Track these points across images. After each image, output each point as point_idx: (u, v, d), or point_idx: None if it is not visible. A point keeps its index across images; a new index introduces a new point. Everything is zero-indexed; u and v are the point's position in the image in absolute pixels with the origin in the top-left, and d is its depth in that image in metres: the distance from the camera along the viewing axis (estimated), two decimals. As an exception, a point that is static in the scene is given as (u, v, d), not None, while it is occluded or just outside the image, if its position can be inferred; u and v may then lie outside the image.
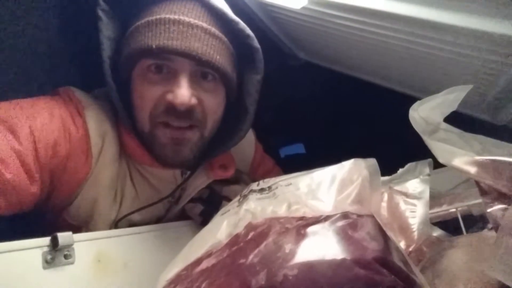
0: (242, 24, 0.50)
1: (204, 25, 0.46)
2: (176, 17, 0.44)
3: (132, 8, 0.49)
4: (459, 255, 0.32)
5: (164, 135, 0.48)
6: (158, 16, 0.45)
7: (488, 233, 0.35)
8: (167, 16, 0.44)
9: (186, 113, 0.46)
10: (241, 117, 0.53)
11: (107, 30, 0.47)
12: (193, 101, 0.46)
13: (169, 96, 0.45)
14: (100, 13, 0.47)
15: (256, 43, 0.51)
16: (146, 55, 0.45)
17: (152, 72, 0.46)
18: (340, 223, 0.24)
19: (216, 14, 0.48)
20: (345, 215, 0.25)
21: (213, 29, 0.47)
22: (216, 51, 0.46)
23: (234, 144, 0.54)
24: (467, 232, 0.40)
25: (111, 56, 0.48)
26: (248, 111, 0.53)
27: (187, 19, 0.45)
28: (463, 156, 0.27)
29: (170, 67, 0.46)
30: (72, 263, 0.38)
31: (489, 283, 0.26)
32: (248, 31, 0.50)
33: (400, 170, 0.46)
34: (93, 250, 0.41)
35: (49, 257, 0.37)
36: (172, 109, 0.45)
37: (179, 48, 0.44)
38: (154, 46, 0.43)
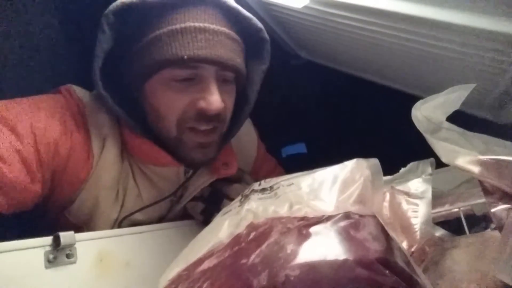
0: (254, 19, 0.51)
1: (226, 30, 0.47)
2: (201, 24, 0.45)
3: (141, 18, 0.47)
4: (462, 255, 0.32)
5: (191, 140, 0.49)
6: (182, 25, 0.44)
7: (491, 233, 0.35)
8: (192, 24, 0.44)
9: (215, 117, 0.47)
10: (241, 106, 0.54)
11: (106, 44, 0.46)
12: (223, 105, 0.47)
13: (202, 103, 0.46)
14: (106, 26, 0.45)
15: (266, 35, 0.53)
16: (172, 64, 0.45)
17: (177, 80, 0.46)
18: (342, 223, 0.24)
19: (232, 15, 0.49)
20: (347, 215, 0.25)
21: (233, 33, 0.48)
22: (237, 55, 0.48)
23: (232, 136, 0.56)
24: (469, 232, 0.39)
25: (102, 67, 0.47)
26: (248, 101, 0.54)
27: (211, 26, 0.45)
28: (466, 156, 0.27)
29: (196, 74, 0.46)
30: (74, 262, 0.38)
31: (493, 284, 0.25)
32: (259, 24, 0.52)
33: (402, 170, 0.46)
34: (95, 249, 0.41)
35: (51, 256, 0.37)
36: (202, 115, 0.46)
37: (209, 56, 0.44)
38: (185, 57, 0.43)
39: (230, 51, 0.47)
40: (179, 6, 0.45)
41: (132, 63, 0.47)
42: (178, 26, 0.44)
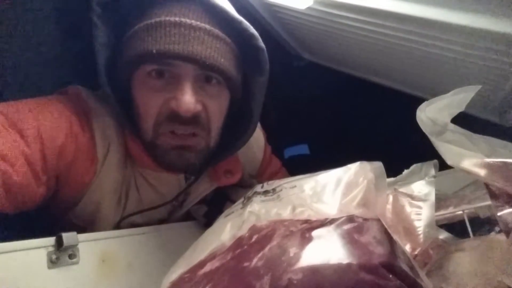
0: (246, 24, 0.48)
1: (207, 26, 0.44)
2: (177, 19, 0.42)
3: (128, 11, 0.47)
4: (467, 258, 0.31)
5: (166, 143, 0.46)
6: (158, 19, 0.43)
7: (495, 236, 0.35)
8: (167, 18, 0.42)
9: (191, 120, 0.45)
10: (246, 121, 0.52)
11: (102, 36, 0.45)
12: (198, 107, 0.45)
13: (173, 104, 0.43)
14: (95, 18, 0.44)
15: (260, 43, 0.49)
16: (146, 60, 0.43)
17: (153, 78, 0.44)
18: (346, 227, 0.24)
19: (218, 14, 0.46)
20: (350, 219, 0.24)
21: (216, 31, 0.45)
22: (220, 54, 0.45)
23: (237, 149, 0.53)
24: (474, 235, 0.39)
25: (107, 63, 0.46)
26: (252, 115, 0.51)
27: (188, 21, 0.43)
28: (472, 158, 0.26)
29: (172, 72, 0.44)
30: (76, 263, 0.38)
31: (498, 288, 0.25)
32: (252, 30, 0.48)
33: (405, 172, 0.45)
34: (97, 250, 0.41)
35: (54, 257, 0.37)
36: (176, 117, 0.44)
37: (181, 52, 0.42)
38: (154, 51, 0.41)
39: (210, 49, 0.43)
40: (159, 2, 0.44)
41: (119, 60, 0.46)
42: (153, 20, 0.43)
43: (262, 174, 0.67)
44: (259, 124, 0.64)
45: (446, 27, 0.42)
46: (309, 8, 0.61)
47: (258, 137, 0.64)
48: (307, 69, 1.09)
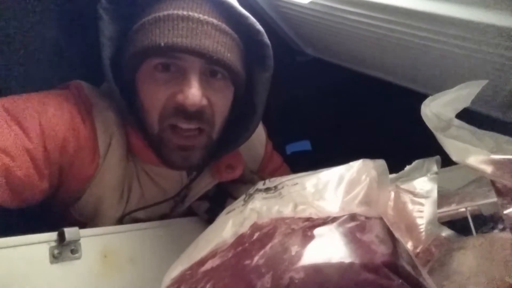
0: (252, 19, 0.48)
1: (214, 21, 0.44)
2: (185, 13, 0.42)
3: (135, 4, 0.47)
4: (469, 257, 0.31)
5: (170, 142, 0.46)
6: (165, 12, 0.43)
7: (498, 234, 0.34)
8: (175, 12, 0.43)
9: (196, 114, 0.45)
10: (249, 116, 0.52)
11: (108, 30, 0.45)
12: (204, 101, 0.45)
13: (179, 97, 0.44)
14: (101, 11, 0.45)
15: (266, 39, 0.49)
16: (153, 53, 0.43)
17: (159, 71, 0.44)
18: (348, 225, 0.23)
19: (225, 9, 0.46)
20: (352, 217, 0.24)
21: (223, 25, 0.45)
22: (227, 49, 0.45)
23: (240, 144, 0.53)
24: (476, 232, 0.39)
25: (112, 56, 0.46)
26: (256, 110, 0.51)
27: (196, 15, 0.43)
28: (478, 155, 0.26)
29: (178, 65, 0.44)
30: (78, 258, 0.39)
31: (501, 287, 0.25)
32: (258, 26, 0.48)
33: (407, 168, 0.45)
34: (99, 245, 0.41)
35: (56, 252, 0.37)
36: (181, 110, 0.44)
37: (189, 46, 0.42)
38: (162, 44, 0.42)
39: (218, 43, 0.43)
40: None
41: (123, 53, 0.46)
42: (161, 13, 0.43)
43: (263, 170, 0.67)
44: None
45: (451, 22, 0.42)
46: (311, 2, 0.60)
47: (259, 132, 0.64)
48: (310, 64, 1.08)
